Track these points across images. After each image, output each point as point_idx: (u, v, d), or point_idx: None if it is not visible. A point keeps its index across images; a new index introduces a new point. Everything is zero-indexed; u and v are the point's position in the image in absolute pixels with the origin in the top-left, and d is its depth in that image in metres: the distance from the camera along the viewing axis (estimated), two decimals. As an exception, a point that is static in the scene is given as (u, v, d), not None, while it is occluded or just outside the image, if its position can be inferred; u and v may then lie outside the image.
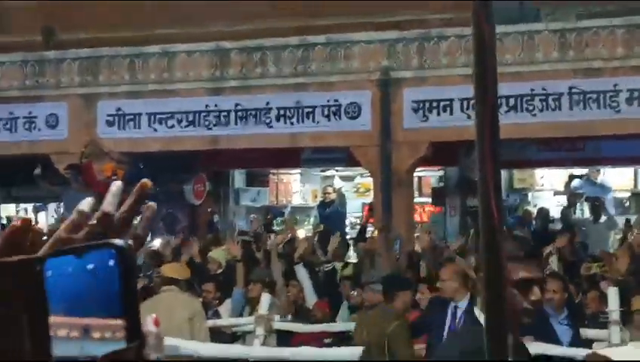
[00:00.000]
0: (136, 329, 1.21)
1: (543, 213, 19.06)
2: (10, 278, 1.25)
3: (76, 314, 1.21)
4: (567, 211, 19.26)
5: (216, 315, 11.92)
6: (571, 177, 20.30)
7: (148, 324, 1.31)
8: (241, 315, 11.86)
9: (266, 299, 11.26)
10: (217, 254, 14.02)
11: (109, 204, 1.38)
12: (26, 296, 1.24)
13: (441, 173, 20.84)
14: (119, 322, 1.20)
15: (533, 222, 19.06)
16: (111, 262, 1.21)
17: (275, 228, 20.25)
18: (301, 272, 12.34)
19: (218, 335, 11.21)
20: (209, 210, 20.45)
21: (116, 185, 1.40)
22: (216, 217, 20.82)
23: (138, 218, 1.46)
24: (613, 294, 11.06)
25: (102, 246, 1.22)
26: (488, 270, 3.31)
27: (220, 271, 13.49)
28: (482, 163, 3.24)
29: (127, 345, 1.20)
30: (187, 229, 18.94)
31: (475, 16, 3.27)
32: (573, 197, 19.61)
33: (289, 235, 15.37)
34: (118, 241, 1.22)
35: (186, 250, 14.56)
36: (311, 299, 12.00)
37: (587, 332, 10.91)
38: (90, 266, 1.22)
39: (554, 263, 12.57)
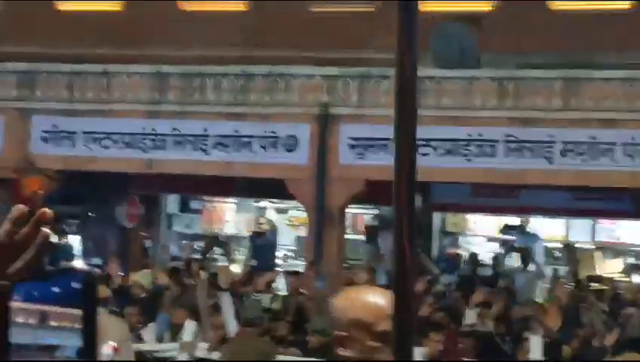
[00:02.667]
0: (93, 340, 1.27)
1: (473, 258, 19.17)
2: None
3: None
4: (497, 258, 19.38)
5: (139, 339, 11.78)
6: (506, 226, 20.46)
7: (104, 348, 1.36)
8: (161, 340, 11.75)
9: (190, 325, 11.18)
10: (141, 278, 13.88)
11: None
12: None
13: (376, 211, 20.86)
14: (77, 312, 1.25)
15: (462, 266, 19.16)
16: (75, 285, 1.26)
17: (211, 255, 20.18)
18: (225, 300, 12.26)
19: (141, 359, 11.06)
20: (143, 234, 20.28)
21: None
22: (149, 242, 20.64)
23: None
24: (536, 344, 11.15)
25: (67, 271, 1.29)
26: (399, 303, 3.28)
27: (143, 295, 13.36)
28: (397, 201, 3.22)
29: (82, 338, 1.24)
30: (117, 252, 18.74)
31: (399, 56, 3.24)
32: (504, 245, 19.77)
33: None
34: (81, 267, 1.29)
35: (110, 272, 14.41)
36: (231, 327, 11.91)
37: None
38: (55, 289, 1.27)
39: (470, 317, 12.57)
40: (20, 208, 1.46)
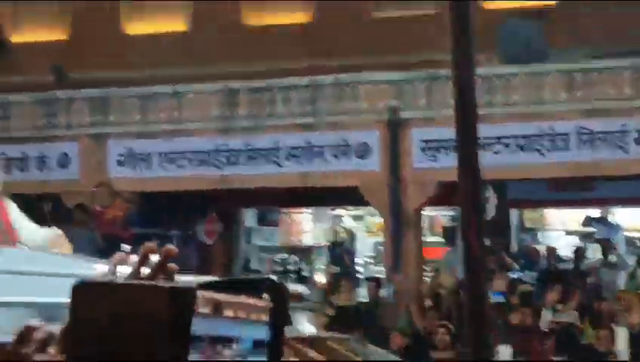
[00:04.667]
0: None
1: (551, 252, 19.03)
2: (160, 302, 1.26)
3: None
4: (578, 252, 19.22)
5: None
6: (588, 219, 20.28)
7: None
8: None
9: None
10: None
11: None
12: (172, 321, 1.25)
13: (452, 212, 20.80)
14: (252, 302, 1.27)
15: (542, 261, 19.04)
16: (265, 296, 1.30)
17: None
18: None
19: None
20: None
21: None
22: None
23: None
24: (622, 334, 11.08)
25: (258, 281, 1.31)
26: (472, 300, 3.34)
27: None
28: (465, 200, 3.27)
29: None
30: (199, 268, 18.93)
31: (454, 55, 3.31)
32: (584, 238, 19.59)
33: None
34: (273, 277, 1.31)
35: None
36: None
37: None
38: None
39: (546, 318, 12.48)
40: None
